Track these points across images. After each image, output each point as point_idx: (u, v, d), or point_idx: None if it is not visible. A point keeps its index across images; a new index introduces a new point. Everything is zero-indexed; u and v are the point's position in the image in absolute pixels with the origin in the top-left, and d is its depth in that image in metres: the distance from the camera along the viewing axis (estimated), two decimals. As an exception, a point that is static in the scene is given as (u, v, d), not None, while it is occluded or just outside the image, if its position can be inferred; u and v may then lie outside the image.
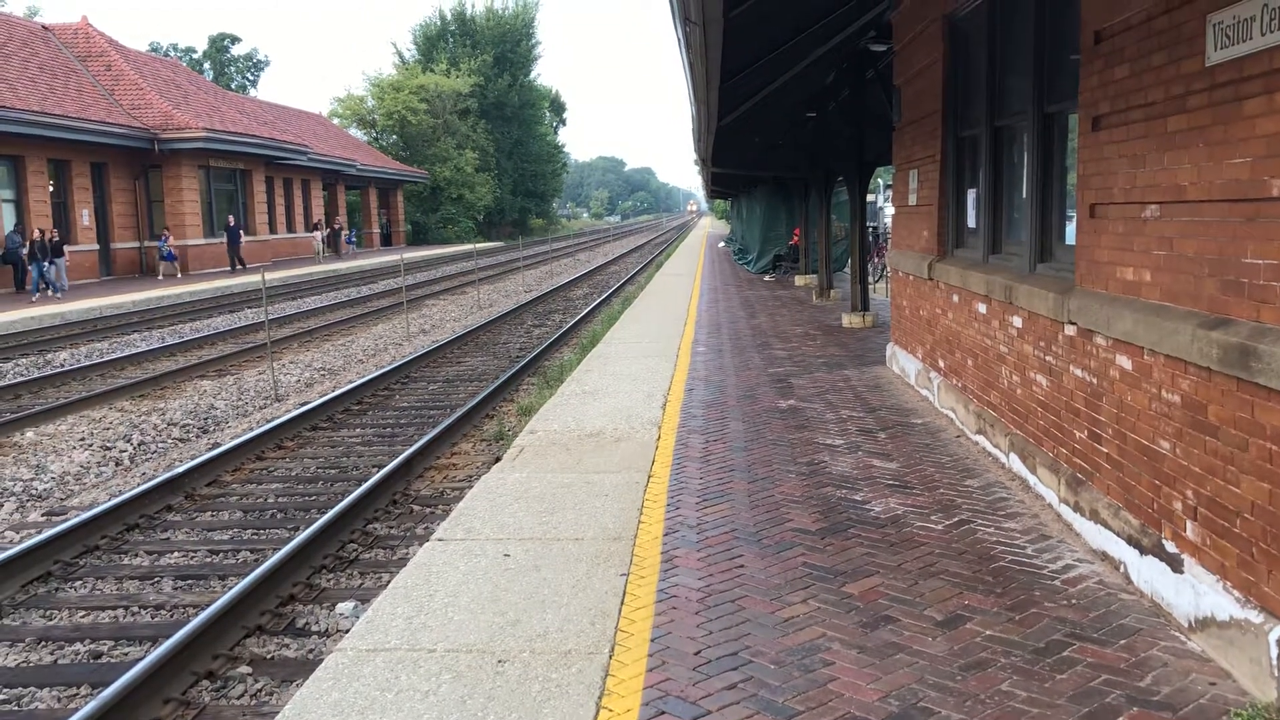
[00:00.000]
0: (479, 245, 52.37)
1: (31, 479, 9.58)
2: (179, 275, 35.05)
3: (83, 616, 6.24)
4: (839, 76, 14.07)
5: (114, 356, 17.12)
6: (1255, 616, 3.63)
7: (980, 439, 7.29)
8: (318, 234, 49.10)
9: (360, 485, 8.33)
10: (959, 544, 5.30)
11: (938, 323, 8.72)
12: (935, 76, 8.66)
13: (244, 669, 5.40)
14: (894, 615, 4.41)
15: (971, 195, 8.16)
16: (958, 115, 8.42)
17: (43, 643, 5.82)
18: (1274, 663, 3.48)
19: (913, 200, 9.86)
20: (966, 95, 8.18)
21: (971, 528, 5.56)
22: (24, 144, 29.96)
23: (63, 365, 16.76)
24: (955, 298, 8.11)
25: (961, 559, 5.08)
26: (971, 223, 8.16)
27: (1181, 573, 4.18)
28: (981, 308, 7.32)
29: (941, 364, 8.60)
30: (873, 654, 4.04)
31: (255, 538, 7.64)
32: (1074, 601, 4.51)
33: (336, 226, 52.74)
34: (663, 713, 3.63)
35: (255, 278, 31.33)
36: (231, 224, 38.48)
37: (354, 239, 54.99)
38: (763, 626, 4.34)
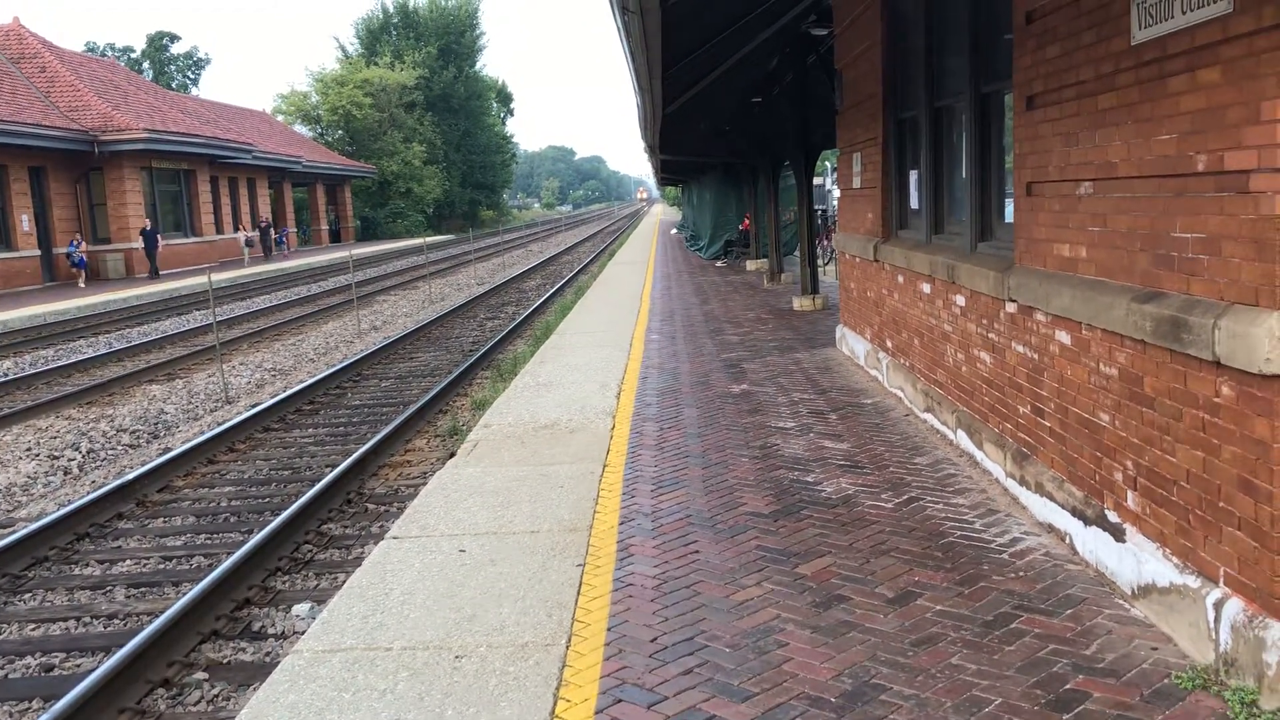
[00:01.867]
0: (429, 239, 51.94)
1: (-23, 492, 9.41)
2: (83, 284, 32.14)
3: (33, 629, 6.15)
4: (782, 61, 14.14)
5: (60, 364, 16.82)
6: (1193, 581, 3.73)
7: (928, 417, 7.39)
8: (241, 234, 44.00)
9: (314, 485, 8.27)
10: (909, 521, 5.38)
11: (884, 303, 8.82)
12: (875, 59, 8.73)
13: (200, 675, 5.36)
14: (846, 594, 4.48)
15: (914, 176, 8.24)
16: (898, 97, 8.49)
17: (-8, 657, 5.74)
18: (1211, 625, 3.58)
19: (857, 183, 9.94)
20: (906, 77, 8.26)
21: (921, 505, 5.64)
22: (-43, 149, 29.31)
23: (6, 374, 16.44)
24: (900, 278, 8.20)
25: (911, 536, 5.16)
26: (914, 204, 8.25)
27: (1124, 542, 4.27)
28: (926, 287, 7.41)
29: (889, 344, 8.70)
30: (826, 633, 4.10)
31: (209, 542, 7.57)
32: (1021, 574, 4.60)
33: (263, 224, 47.90)
34: (620, 700, 3.66)
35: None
36: (148, 228, 35.98)
37: (283, 238, 50.13)
38: (718, 611, 4.38)
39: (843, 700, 3.57)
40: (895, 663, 3.82)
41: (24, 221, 32.38)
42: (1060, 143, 4.88)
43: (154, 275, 35.92)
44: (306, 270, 38.20)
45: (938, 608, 4.29)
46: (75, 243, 33.55)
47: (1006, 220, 6.17)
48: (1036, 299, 5.16)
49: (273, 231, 48.73)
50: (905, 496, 5.81)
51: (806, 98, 14.09)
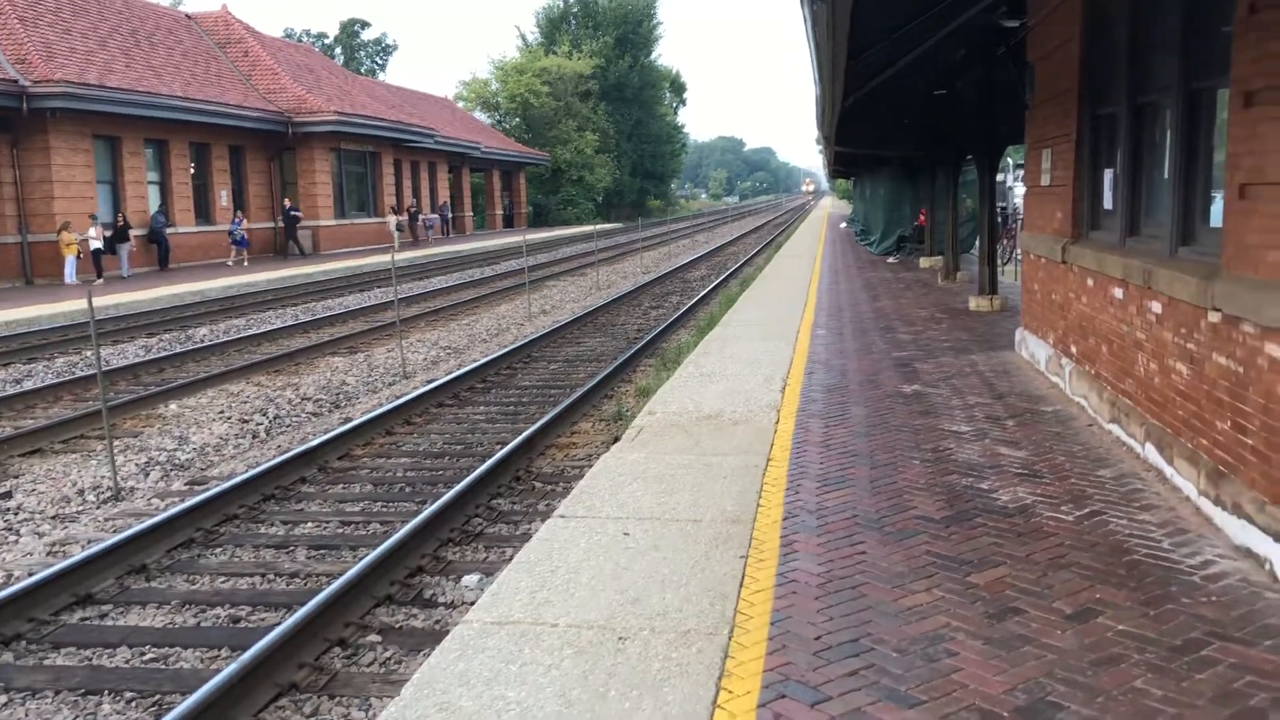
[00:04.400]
0: (598, 226, 52.68)
1: (175, 449, 10.06)
2: (245, 262, 32.49)
3: (223, 582, 6.54)
4: (970, 53, 13.68)
5: (250, 333, 17.84)
6: None
7: (1114, 428, 7.04)
8: (391, 218, 42.31)
9: (485, 461, 8.51)
10: (1090, 536, 5.14)
11: (1070, 307, 8.44)
12: (1072, 52, 8.35)
13: (374, 637, 5.59)
14: (1021, 607, 4.31)
15: (1108, 176, 7.85)
16: (1095, 92, 8.10)
17: (187, 606, 6.13)
18: None
19: (1045, 181, 9.54)
20: (1105, 71, 7.86)
21: (1104, 519, 5.38)
22: (169, 129, 31.39)
23: (203, 340, 17.53)
24: (1090, 281, 7.83)
25: (1093, 551, 4.92)
26: (1108, 204, 7.86)
27: (1333, 573, 3.97)
28: (1118, 292, 7.06)
29: (1074, 350, 8.33)
30: (999, 645, 3.96)
31: (384, 510, 7.88)
32: (1214, 599, 4.33)
33: (411, 209, 46.15)
34: (783, 695, 3.63)
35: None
36: (287, 206, 36.29)
37: (432, 223, 48.26)
38: (885, 614, 4.28)
39: (1016, 715, 3.43)
40: (1073, 681, 3.65)
41: (223, 197, 34.45)
42: (1281, 142, 4.55)
43: (293, 254, 35.76)
44: (481, 254, 39.31)
45: (1120, 627, 4.08)
46: (238, 220, 33.58)
47: (1211, 224, 5.81)
48: (1245, 309, 4.83)
49: (422, 216, 47.32)
50: (1087, 509, 5.55)
51: (993, 91, 13.60)
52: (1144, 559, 4.81)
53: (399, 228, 42.29)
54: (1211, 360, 5.33)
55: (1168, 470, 5.92)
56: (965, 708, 3.50)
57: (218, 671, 4.90)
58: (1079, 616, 4.20)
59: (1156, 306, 6.23)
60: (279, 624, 5.43)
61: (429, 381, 13.06)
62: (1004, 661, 3.83)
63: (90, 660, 5.45)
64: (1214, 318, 5.28)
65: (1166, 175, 6.48)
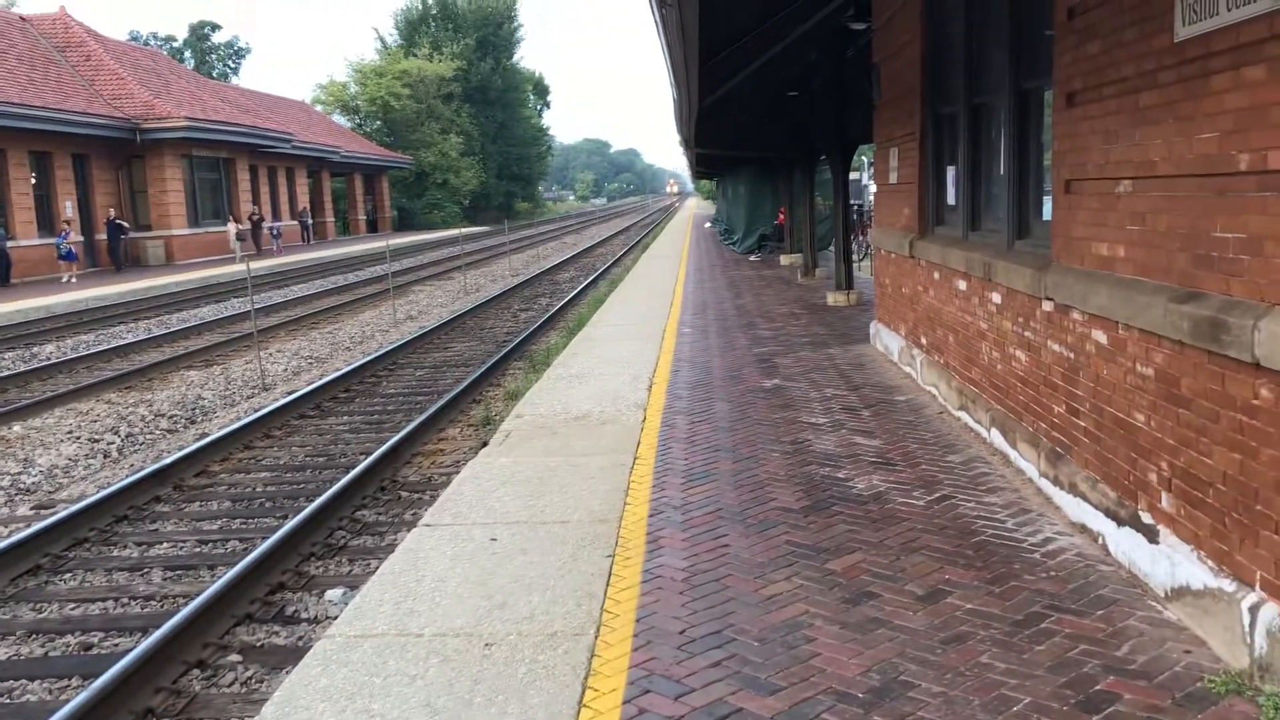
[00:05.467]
0: (465, 230, 52.15)
1: (19, 473, 9.58)
2: (74, 279, 29.24)
3: (73, 609, 6.26)
4: (820, 55, 14.07)
5: (100, 349, 17.08)
6: (1228, 585, 3.69)
7: (962, 415, 7.35)
8: (231, 226, 39.00)
9: (348, 472, 8.36)
10: (940, 519, 5.36)
11: (920, 300, 8.77)
12: (914, 54, 8.68)
13: (234, 657, 5.44)
14: (876, 591, 4.47)
15: (951, 173, 8.19)
16: (936, 92, 8.44)
17: (33, 636, 5.85)
18: (1246, 630, 3.54)
19: (893, 178, 9.89)
20: (945, 72, 8.20)
21: (953, 503, 5.62)
22: (6, 137, 29.77)
23: (49, 358, 16.71)
24: (936, 275, 8.15)
25: (943, 534, 5.14)
26: (951, 200, 8.20)
27: (1158, 543, 4.24)
28: (962, 284, 7.37)
29: (924, 341, 8.65)
30: (854, 629, 4.10)
31: (244, 527, 7.67)
32: (1053, 574, 4.57)
33: (254, 216, 42.01)
34: (648, 691, 3.68)
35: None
36: (112, 216, 33.74)
37: (280, 231, 43.71)
38: (746, 604, 4.39)
39: (871, 696, 3.57)
40: (924, 660, 3.81)
41: (67, 208, 32.85)
42: (1100, 140, 4.83)
43: (120, 268, 33.32)
44: (344, 260, 38.48)
45: (968, 606, 4.27)
46: (64, 233, 30.61)
47: (1044, 218, 6.12)
48: (1073, 297, 5.11)
49: (266, 224, 42.96)
50: (937, 494, 5.79)
51: (843, 92, 14.02)
52: (990, 539, 5.04)
53: (239, 237, 38.95)
54: (1047, 347, 5.62)
55: (1011, 453, 6.22)
56: (822, 691, 3.61)
57: (67, 702, 4.69)
58: (929, 597, 4.38)
59: (997, 297, 6.53)
60: (133, 649, 5.23)
61: (290, 393, 12.74)
62: (859, 644, 3.96)
63: (-74, 700, 5.16)
64: (1047, 307, 5.56)
65: (1003, 172, 6.80)
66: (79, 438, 10.88)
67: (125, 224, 34.78)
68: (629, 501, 5.91)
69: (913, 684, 3.63)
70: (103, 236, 34.13)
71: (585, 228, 68.03)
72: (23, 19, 37.63)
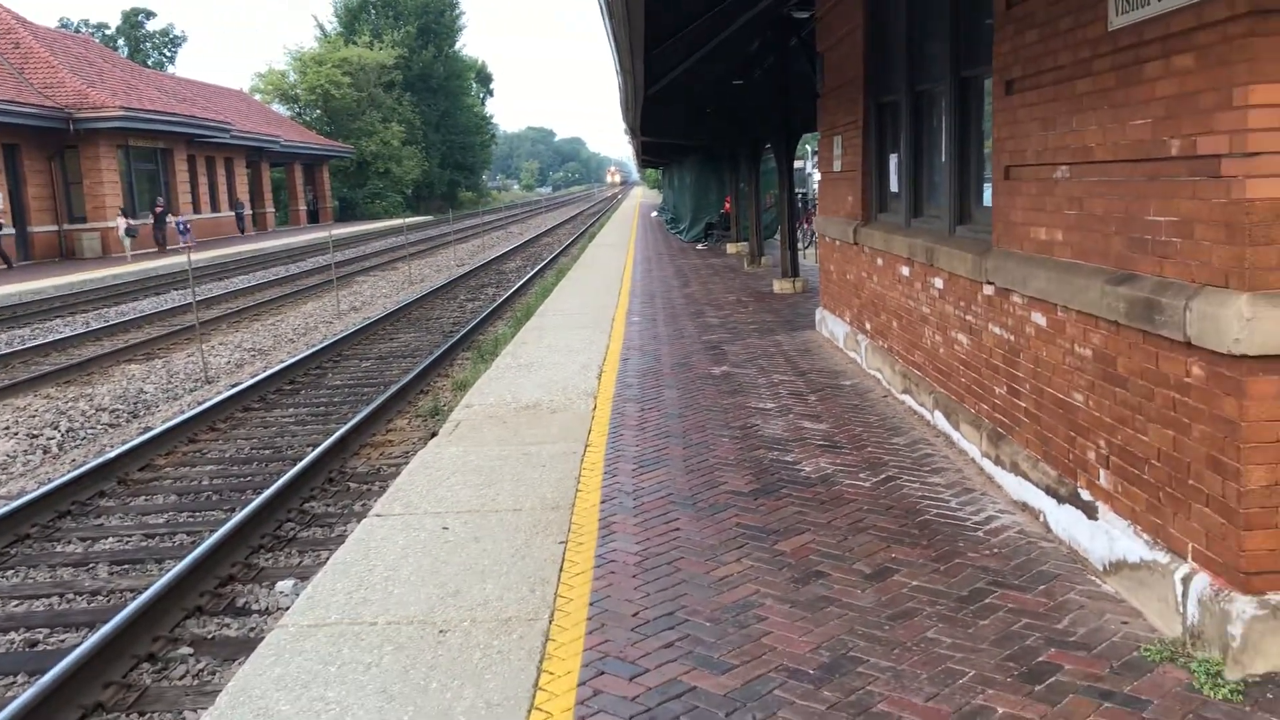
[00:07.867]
0: (408, 220, 51.64)
1: (-45, 470, 9.37)
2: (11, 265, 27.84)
3: (16, 606, 6.16)
4: (764, 44, 14.15)
5: (37, 343, 16.72)
6: (1163, 557, 3.83)
7: (906, 398, 7.48)
8: (120, 221, 34.28)
9: (295, 464, 8.30)
10: (886, 500, 5.47)
11: (864, 286, 8.89)
12: (856, 43, 8.78)
13: (185, 650, 5.40)
14: (824, 570, 4.56)
15: (894, 160, 8.31)
16: (879, 81, 8.55)
17: (-25, 634, 5.75)
18: (1179, 600, 3.67)
19: (837, 166, 10.00)
20: (887, 61, 8.31)
21: (898, 484, 5.73)
22: (-71, 126, 28.94)
23: (-18, 353, 16.31)
24: (880, 261, 8.27)
25: (889, 514, 5.24)
26: (894, 187, 8.32)
27: (1096, 519, 4.37)
28: (905, 270, 7.49)
29: (868, 326, 8.78)
30: (804, 608, 4.18)
31: (191, 520, 7.59)
32: (996, 551, 4.69)
33: (159, 209, 37.18)
34: (602, 673, 3.73)
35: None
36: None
37: (187, 226, 38.11)
38: (698, 586, 4.45)
39: (821, 672, 3.64)
40: (872, 636, 3.90)
41: (-1, 199, 32.01)
42: (1038, 127, 4.95)
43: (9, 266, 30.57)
44: (285, 251, 37.96)
45: (914, 583, 4.37)
46: None
47: (985, 204, 6.25)
48: (1013, 281, 5.24)
49: (172, 218, 38.10)
50: (883, 476, 5.90)
51: (788, 81, 14.12)
52: (934, 518, 5.16)
53: (129, 233, 34.10)
54: (988, 330, 5.75)
55: (955, 435, 6.35)
56: (774, 669, 3.69)
57: (13, 699, 4.63)
58: (877, 576, 4.47)
59: (939, 282, 6.65)
60: (81, 644, 5.17)
61: (233, 385, 12.58)
62: (809, 623, 4.04)
63: None
64: (988, 290, 5.69)
65: (944, 159, 6.92)
66: (16, 434, 10.66)
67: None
68: (581, 488, 5.94)
69: (862, 660, 3.72)
70: (37, 229, 33.29)
71: (531, 217, 67.75)
72: (-53, 5, 36.58)
